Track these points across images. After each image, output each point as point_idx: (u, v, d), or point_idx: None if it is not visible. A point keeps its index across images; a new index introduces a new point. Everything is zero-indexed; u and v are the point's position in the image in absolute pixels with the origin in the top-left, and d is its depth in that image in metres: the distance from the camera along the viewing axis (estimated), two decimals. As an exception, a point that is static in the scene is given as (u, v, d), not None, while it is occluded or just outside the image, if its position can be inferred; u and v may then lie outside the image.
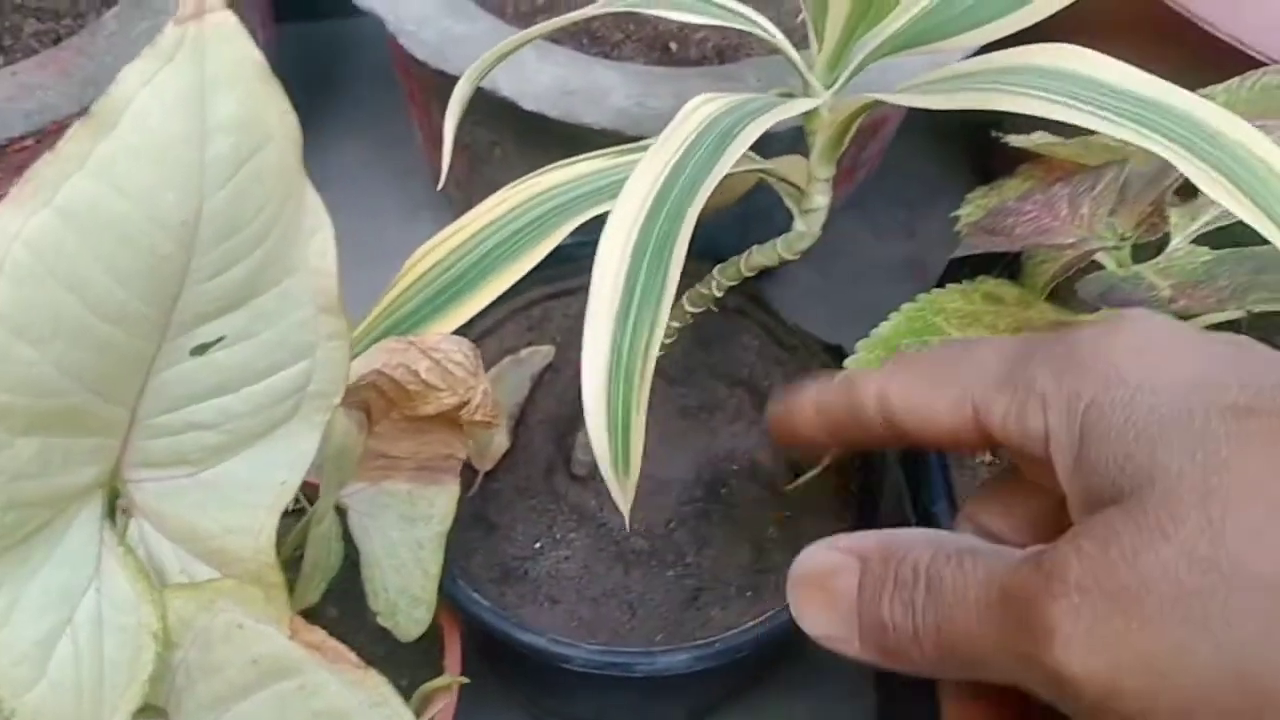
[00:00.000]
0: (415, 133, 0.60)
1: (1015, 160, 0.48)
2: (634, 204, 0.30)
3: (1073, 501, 0.24)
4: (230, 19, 0.22)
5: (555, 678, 0.46)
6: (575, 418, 0.48)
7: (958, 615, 0.24)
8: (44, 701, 0.25)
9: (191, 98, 0.22)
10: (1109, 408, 0.24)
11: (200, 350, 0.24)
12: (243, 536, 0.26)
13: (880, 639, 0.26)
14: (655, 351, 0.29)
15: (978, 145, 0.49)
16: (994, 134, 0.44)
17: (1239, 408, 0.22)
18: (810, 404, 0.32)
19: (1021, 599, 0.23)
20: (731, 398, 0.51)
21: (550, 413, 0.50)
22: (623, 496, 0.30)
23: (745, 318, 0.53)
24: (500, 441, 0.48)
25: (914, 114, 0.32)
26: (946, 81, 0.32)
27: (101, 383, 0.24)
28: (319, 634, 0.25)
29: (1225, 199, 0.25)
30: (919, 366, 0.29)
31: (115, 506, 0.27)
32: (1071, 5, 0.34)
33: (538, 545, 0.46)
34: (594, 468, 0.39)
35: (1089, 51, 0.29)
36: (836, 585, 0.27)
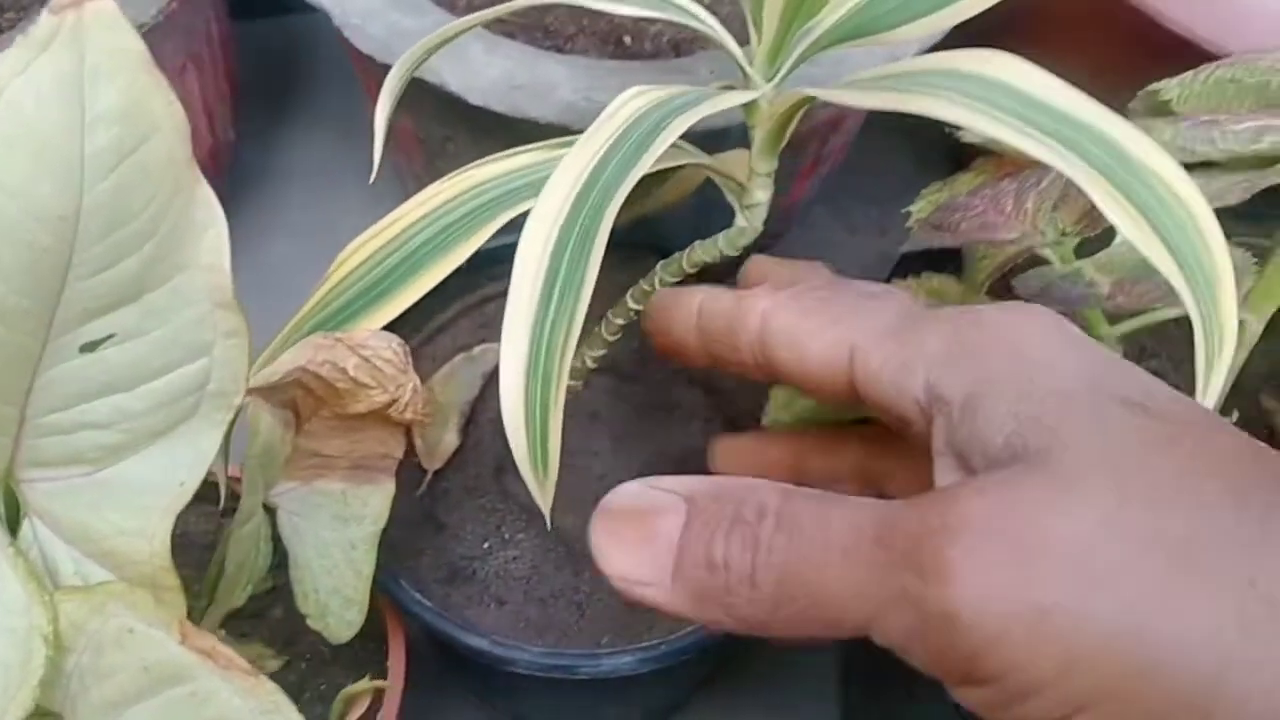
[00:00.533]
0: (376, 127, 0.59)
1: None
2: (555, 201, 0.30)
3: (944, 458, 0.24)
4: (110, 7, 0.22)
5: (502, 680, 0.46)
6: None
7: (814, 555, 0.23)
8: (-68, 705, 0.25)
9: (69, 87, 0.21)
10: (1011, 375, 0.24)
11: (90, 347, 0.24)
12: (136, 539, 0.25)
13: (702, 581, 0.25)
14: (573, 348, 0.29)
15: (953, 141, 0.48)
16: (947, 129, 0.44)
17: (1135, 404, 0.23)
18: (694, 305, 0.31)
19: (910, 537, 0.22)
20: (688, 397, 0.50)
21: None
22: (542, 496, 0.29)
23: (703, 315, 0.52)
24: (450, 440, 0.48)
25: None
26: (877, 80, 0.32)
27: (-15, 380, 0.23)
28: (210, 640, 0.24)
29: (1132, 231, 0.24)
30: (813, 300, 0.29)
31: (17, 507, 0.27)
32: (1025, -2, 0.33)
33: (486, 545, 0.46)
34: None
35: (1014, 59, 0.28)
36: (654, 523, 0.26)
